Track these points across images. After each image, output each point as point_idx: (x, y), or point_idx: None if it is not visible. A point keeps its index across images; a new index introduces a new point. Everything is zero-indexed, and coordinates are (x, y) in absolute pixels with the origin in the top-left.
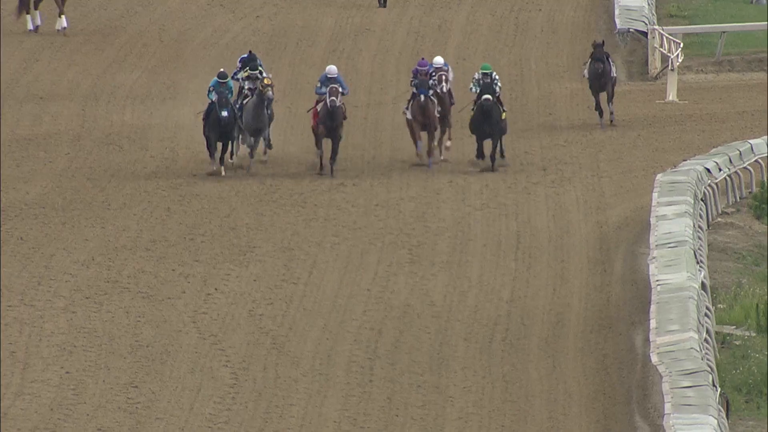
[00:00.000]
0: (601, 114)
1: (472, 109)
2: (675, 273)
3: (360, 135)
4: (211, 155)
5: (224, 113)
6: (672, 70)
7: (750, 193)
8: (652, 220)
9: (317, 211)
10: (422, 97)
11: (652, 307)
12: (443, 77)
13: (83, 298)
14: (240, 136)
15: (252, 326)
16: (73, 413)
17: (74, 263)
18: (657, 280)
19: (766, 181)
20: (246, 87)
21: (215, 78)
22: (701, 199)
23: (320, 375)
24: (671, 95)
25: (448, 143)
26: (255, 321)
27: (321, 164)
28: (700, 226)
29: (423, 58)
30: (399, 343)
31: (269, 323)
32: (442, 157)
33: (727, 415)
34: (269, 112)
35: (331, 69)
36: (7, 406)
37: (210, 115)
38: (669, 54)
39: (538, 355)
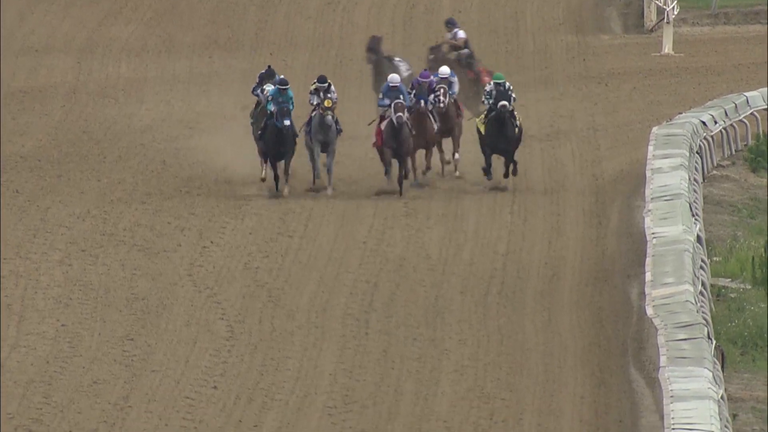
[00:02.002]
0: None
1: (483, 122)
2: (670, 226)
3: (356, 90)
4: (273, 169)
5: (286, 122)
6: (668, 22)
7: (745, 145)
8: (648, 173)
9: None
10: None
11: (648, 260)
12: (442, 90)
13: (79, 251)
14: (310, 156)
15: (248, 279)
16: (68, 366)
17: (70, 216)
18: (652, 233)
19: (761, 133)
20: (314, 102)
21: (275, 86)
22: (697, 152)
23: (316, 328)
24: (667, 48)
25: (457, 156)
26: (251, 274)
27: (388, 179)
28: (695, 179)
29: (426, 70)
30: (394, 296)
31: (265, 276)
32: (456, 174)
33: (722, 368)
34: (338, 126)
35: (394, 77)
36: (3, 358)
37: (267, 128)
38: (664, 6)
39: (534, 308)
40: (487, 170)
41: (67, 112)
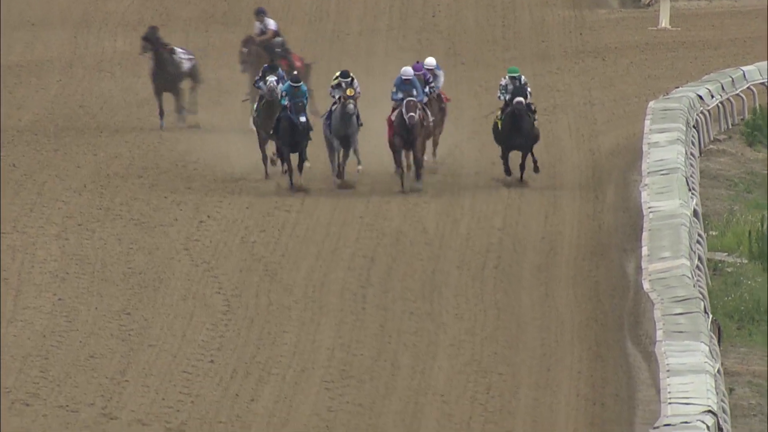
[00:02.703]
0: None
1: (500, 118)
2: (667, 200)
3: (352, 63)
4: (286, 166)
5: (302, 118)
6: None
7: (742, 119)
8: (645, 147)
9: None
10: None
11: (644, 234)
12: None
13: (76, 225)
14: (329, 151)
15: (245, 253)
16: (65, 340)
17: (67, 190)
18: (649, 207)
19: (758, 107)
20: (336, 96)
21: (287, 82)
22: (693, 126)
23: (313, 302)
24: (664, 22)
25: (436, 157)
26: (248, 248)
27: (402, 183)
28: (692, 153)
29: (418, 62)
30: (392, 271)
31: (262, 250)
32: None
33: (719, 342)
34: (359, 123)
35: (407, 71)
36: (0, 332)
37: (281, 122)
38: None
39: (531, 282)
40: (506, 168)
41: (64, 86)
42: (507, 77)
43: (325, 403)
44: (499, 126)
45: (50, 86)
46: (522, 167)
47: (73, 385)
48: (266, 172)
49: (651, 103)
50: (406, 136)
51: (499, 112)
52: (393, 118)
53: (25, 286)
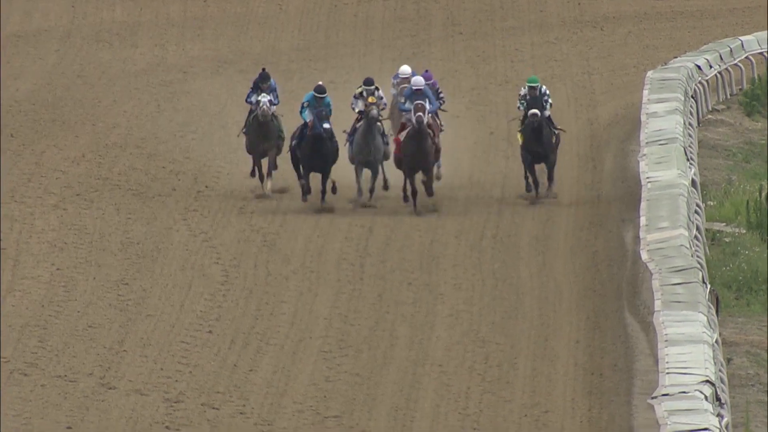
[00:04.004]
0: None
1: (520, 130)
2: (665, 170)
3: (350, 33)
4: (304, 191)
5: (326, 125)
6: None
7: (740, 89)
8: (643, 117)
9: None
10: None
11: (643, 204)
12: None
13: (74, 195)
14: (356, 170)
15: (243, 223)
16: (63, 310)
17: (65, 160)
18: (647, 177)
19: (756, 77)
20: (356, 109)
21: (310, 92)
22: (692, 96)
23: (311, 272)
24: None
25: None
26: (246, 218)
27: (414, 205)
28: (690, 123)
29: (427, 71)
30: (390, 241)
31: (260, 221)
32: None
33: (717, 312)
34: (385, 141)
35: (418, 80)
36: None
37: (303, 138)
38: None
39: (529, 252)
40: (527, 183)
41: (62, 56)
42: (526, 87)
43: (323, 373)
44: (520, 140)
45: (48, 56)
46: (550, 179)
47: (71, 355)
48: (267, 185)
49: (649, 73)
50: (416, 150)
51: (520, 124)
52: (401, 137)
53: (24, 256)
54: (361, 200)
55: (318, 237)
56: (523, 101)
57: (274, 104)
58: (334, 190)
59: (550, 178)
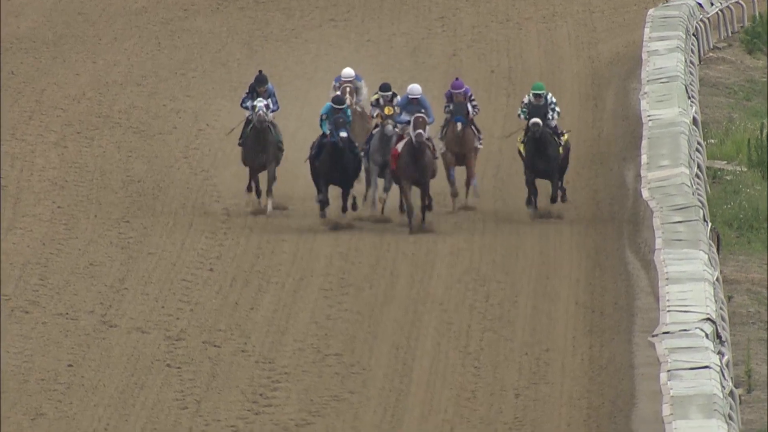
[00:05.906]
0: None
1: (522, 141)
2: (666, 108)
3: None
4: (322, 206)
5: (343, 133)
6: None
7: (742, 27)
8: (644, 56)
9: (308, 46)
10: (459, 125)
11: (644, 143)
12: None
13: (74, 133)
14: (367, 180)
15: None
16: (64, 248)
17: (65, 98)
18: (648, 116)
19: (758, 15)
20: (374, 114)
21: (328, 103)
22: (693, 34)
23: (311, 210)
24: None
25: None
26: None
27: (410, 224)
28: (691, 61)
29: (458, 78)
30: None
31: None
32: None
33: (717, 250)
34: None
35: (414, 88)
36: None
37: (322, 150)
38: None
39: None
40: (528, 199)
41: None
42: (530, 94)
43: (324, 311)
44: (522, 151)
45: None
46: (553, 198)
47: (72, 293)
48: (269, 205)
49: (650, 11)
50: (415, 167)
51: (522, 135)
52: (399, 149)
53: (25, 194)
54: (383, 214)
55: None
56: (524, 110)
57: (273, 110)
58: (354, 207)
59: (554, 199)
